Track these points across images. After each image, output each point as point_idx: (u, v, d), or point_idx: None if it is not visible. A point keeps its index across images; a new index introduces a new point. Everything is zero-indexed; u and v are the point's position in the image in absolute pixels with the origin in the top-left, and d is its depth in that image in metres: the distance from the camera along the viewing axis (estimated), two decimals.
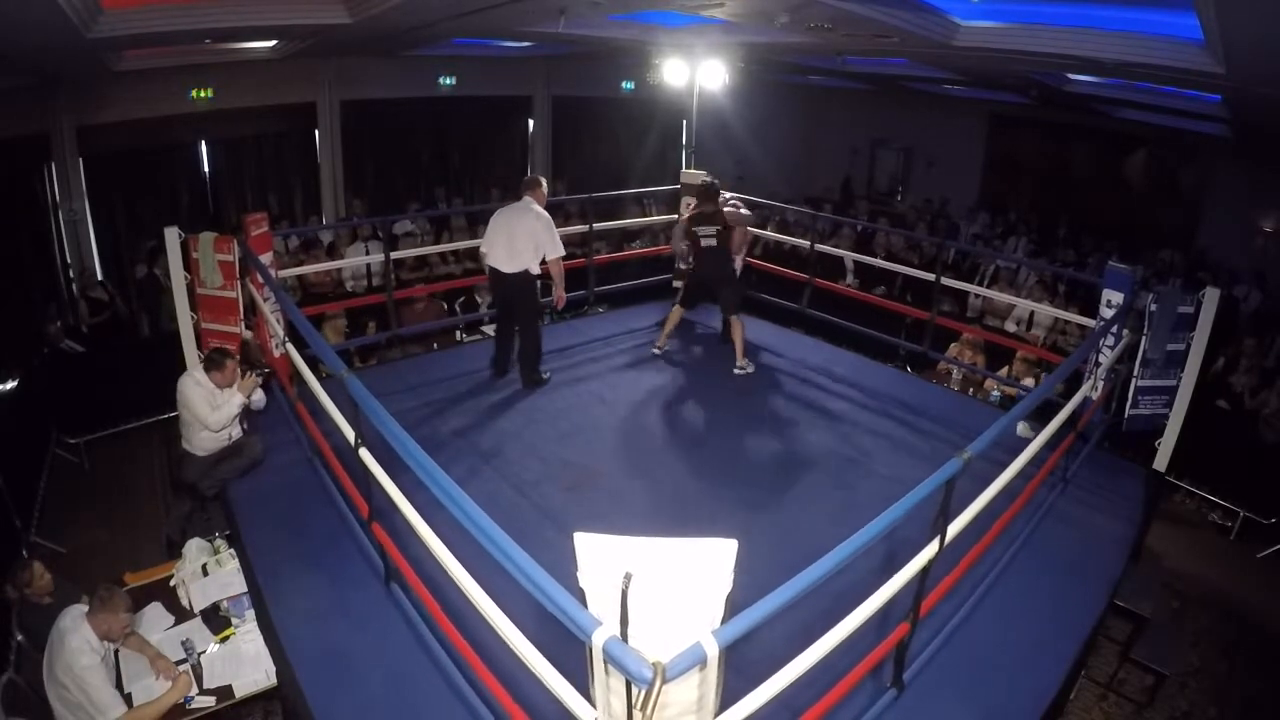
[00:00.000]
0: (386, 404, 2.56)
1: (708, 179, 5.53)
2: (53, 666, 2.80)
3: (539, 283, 4.93)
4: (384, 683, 2.74)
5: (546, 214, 4.81)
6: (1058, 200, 10.60)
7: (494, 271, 4.86)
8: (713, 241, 5.28)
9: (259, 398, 4.17)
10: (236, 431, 4.01)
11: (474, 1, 5.01)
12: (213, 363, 3.90)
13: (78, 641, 2.81)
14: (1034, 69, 6.55)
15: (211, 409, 3.84)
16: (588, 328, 6.11)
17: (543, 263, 4.82)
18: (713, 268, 5.37)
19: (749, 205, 8.41)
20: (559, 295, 5.00)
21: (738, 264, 6.00)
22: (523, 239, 4.72)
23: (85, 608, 2.97)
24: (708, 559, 1.65)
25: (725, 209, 5.63)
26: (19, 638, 3.31)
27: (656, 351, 5.62)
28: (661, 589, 1.60)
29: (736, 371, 5.35)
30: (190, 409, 3.83)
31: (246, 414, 4.14)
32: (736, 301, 5.43)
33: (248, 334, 4.53)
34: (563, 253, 4.86)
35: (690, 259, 5.55)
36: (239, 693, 3.03)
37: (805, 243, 6.36)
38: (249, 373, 4.02)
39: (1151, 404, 4.22)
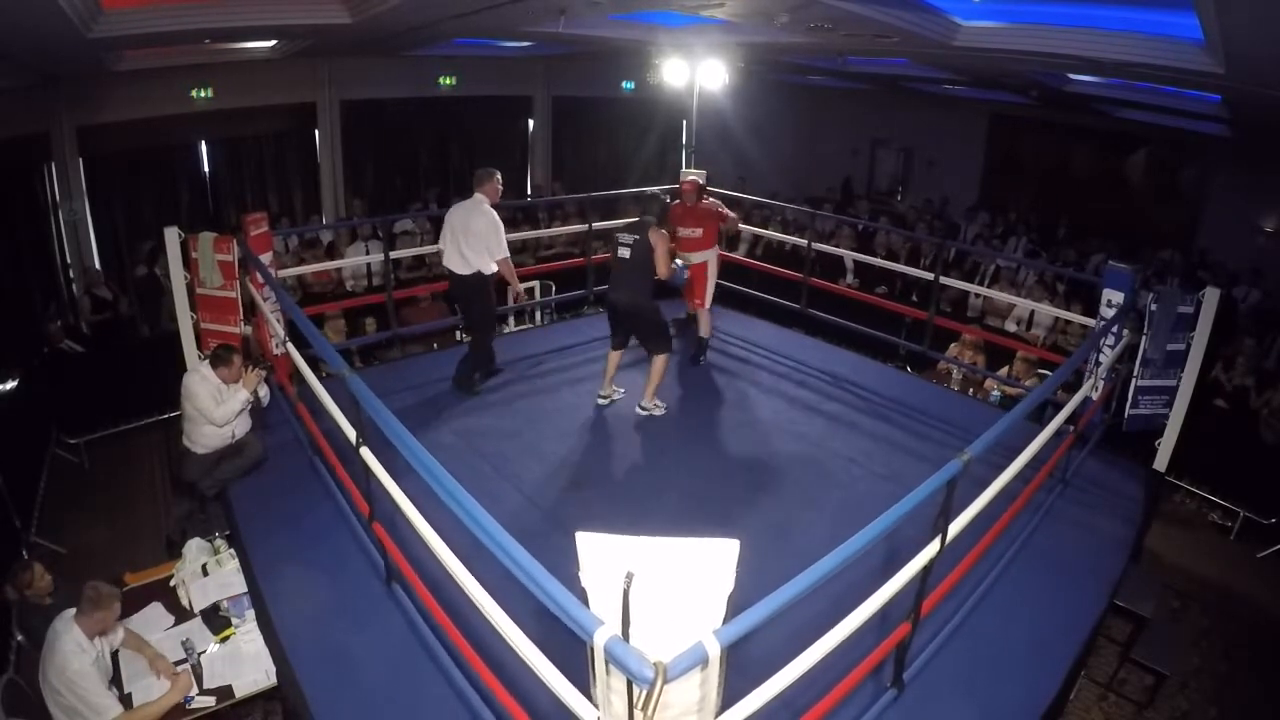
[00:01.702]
0: (387, 403, 2.56)
1: (651, 191, 4.77)
2: (46, 673, 2.81)
3: (494, 285, 4.75)
4: (384, 682, 2.74)
5: (494, 213, 4.60)
6: (1058, 200, 10.60)
7: (448, 273, 4.73)
8: (626, 253, 4.41)
9: (264, 393, 4.18)
10: (241, 429, 4.01)
11: (474, 1, 5.01)
12: (219, 359, 3.92)
13: (69, 645, 2.81)
14: (1034, 69, 6.56)
15: (216, 404, 3.84)
16: (587, 327, 6.10)
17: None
18: (624, 288, 4.48)
19: (737, 204, 8.26)
20: (516, 290, 4.90)
21: (709, 287, 5.46)
22: (474, 239, 4.57)
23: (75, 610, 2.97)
24: (709, 559, 1.65)
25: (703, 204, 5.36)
26: (19, 638, 3.32)
27: (603, 403, 4.78)
28: (663, 589, 1.60)
29: (639, 411, 4.67)
30: (195, 403, 3.84)
31: (252, 411, 4.14)
32: (662, 337, 4.59)
33: (247, 330, 4.53)
34: (507, 254, 4.65)
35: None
36: (239, 693, 3.04)
37: (804, 242, 6.36)
38: (252, 368, 4.03)
39: (1151, 404, 4.22)
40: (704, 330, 5.58)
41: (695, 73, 6.74)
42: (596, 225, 6.31)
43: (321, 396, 3.23)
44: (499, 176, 4.74)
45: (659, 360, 4.59)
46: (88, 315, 6.87)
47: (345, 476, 3.34)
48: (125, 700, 2.96)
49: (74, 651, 2.80)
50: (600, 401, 4.79)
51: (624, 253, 4.43)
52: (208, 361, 3.97)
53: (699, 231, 5.39)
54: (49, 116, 7.02)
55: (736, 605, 1.67)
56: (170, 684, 2.98)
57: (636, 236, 4.39)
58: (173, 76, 7.37)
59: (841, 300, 6.31)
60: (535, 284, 6.92)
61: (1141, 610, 3.68)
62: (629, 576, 1.51)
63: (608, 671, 1.61)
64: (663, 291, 4.71)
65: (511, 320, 6.87)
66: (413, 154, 10.07)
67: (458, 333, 6.72)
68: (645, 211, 4.50)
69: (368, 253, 7.72)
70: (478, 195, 4.63)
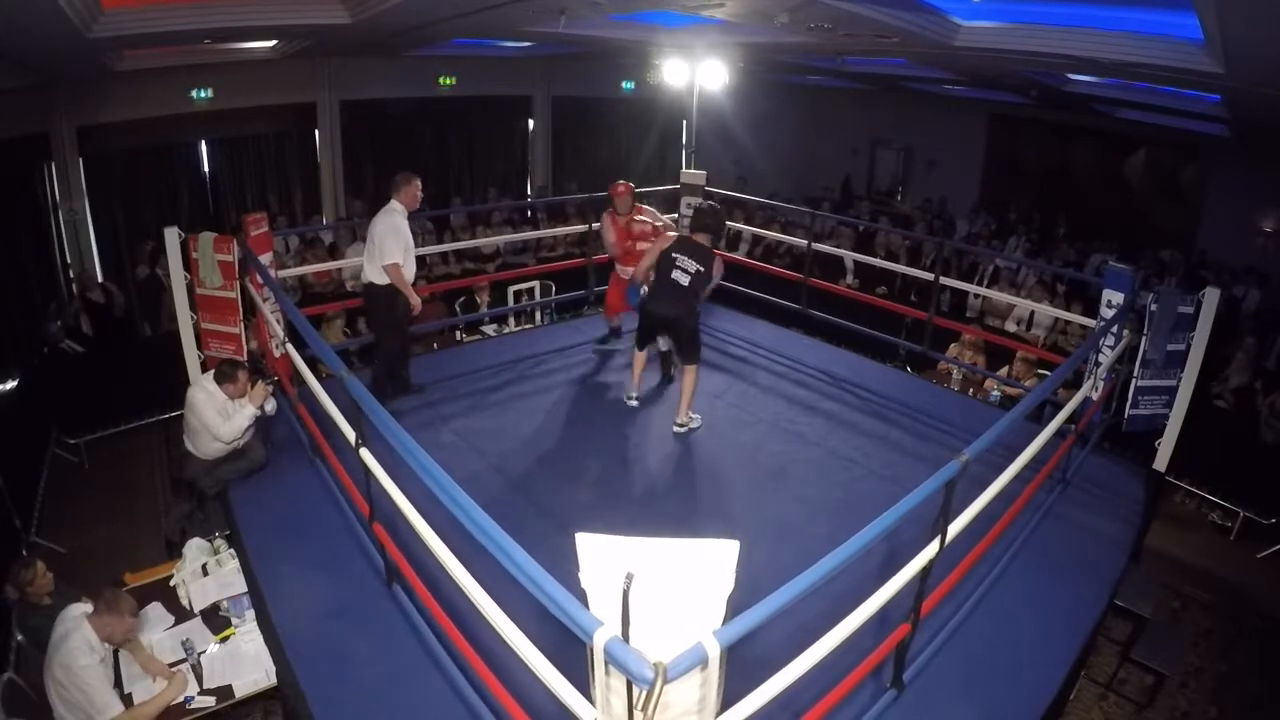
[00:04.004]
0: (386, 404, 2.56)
1: (710, 204, 4.61)
2: (52, 665, 2.81)
3: (392, 296, 4.42)
4: (384, 683, 2.74)
5: (396, 219, 4.35)
6: (1058, 200, 10.61)
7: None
8: (684, 279, 4.23)
9: (270, 406, 4.14)
10: (246, 436, 3.99)
11: (474, 1, 5.01)
12: (224, 375, 3.86)
13: (78, 641, 2.81)
14: (1034, 69, 6.56)
15: (223, 419, 3.81)
16: (588, 327, 6.10)
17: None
18: (678, 308, 4.30)
19: (738, 204, 8.12)
20: (413, 303, 4.45)
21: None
22: (370, 246, 4.35)
23: (88, 607, 2.97)
24: (709, 559, 1.65)
25: (638, 219, 5.14)
26: (19, 638, 3.32)
27: (634, 404, 4.75)
28: (663, 589, 1.60)
29: (677, 429, 4.53)
30: (200, 418, 3.80)
31: (258, 419, 4.11)
32: (697, 347, 4.51)
33: (252, 345, 4.51)
34: (392, 260, 4.31)
35: (647, 287, 4.51)
36: (239, 693, 3.04)
37: (803, 242, 6.36)
38: (259, 382, 4.00)
39: (1151, 404, 4.22)
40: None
41: (695, 73, 6.74)
42: (597, 226, 6.30)
43: (321, 397, 3.23)
44: (418, 182, 4.46)
45: (691, 372, 4.47)
46: (71, 320, 6.77)
47: (345, 477, 3.34)
48: (126, 700, 2.97)
49: (83, 649, 2.80)
50: (631, 403, 4.74)
51: (681, 279, 4.22)
52: (212, 376, 3.92)
53: (645, 246, 4.99)
54: (49, 116, 7.03)
55: (736, 605, 1.67)
56: (168, 682, 2.98)
57: (700, 267, 4.19)
58: (173, 76, 7.36)
59: (841, 300, 6.31)
60: (535, 284, 6.92)
61: (1141, 610, 3.68)
62: (629, 577, 1.51)
63: (607, 672, 1.61)
64: None
65: (512, 320, 6.88)
66: (413, 154, 10.06)
67: (457, 333, 6.73)
68: (701, 228, 4.31)
69: None
70: (392, 202, 4.40)
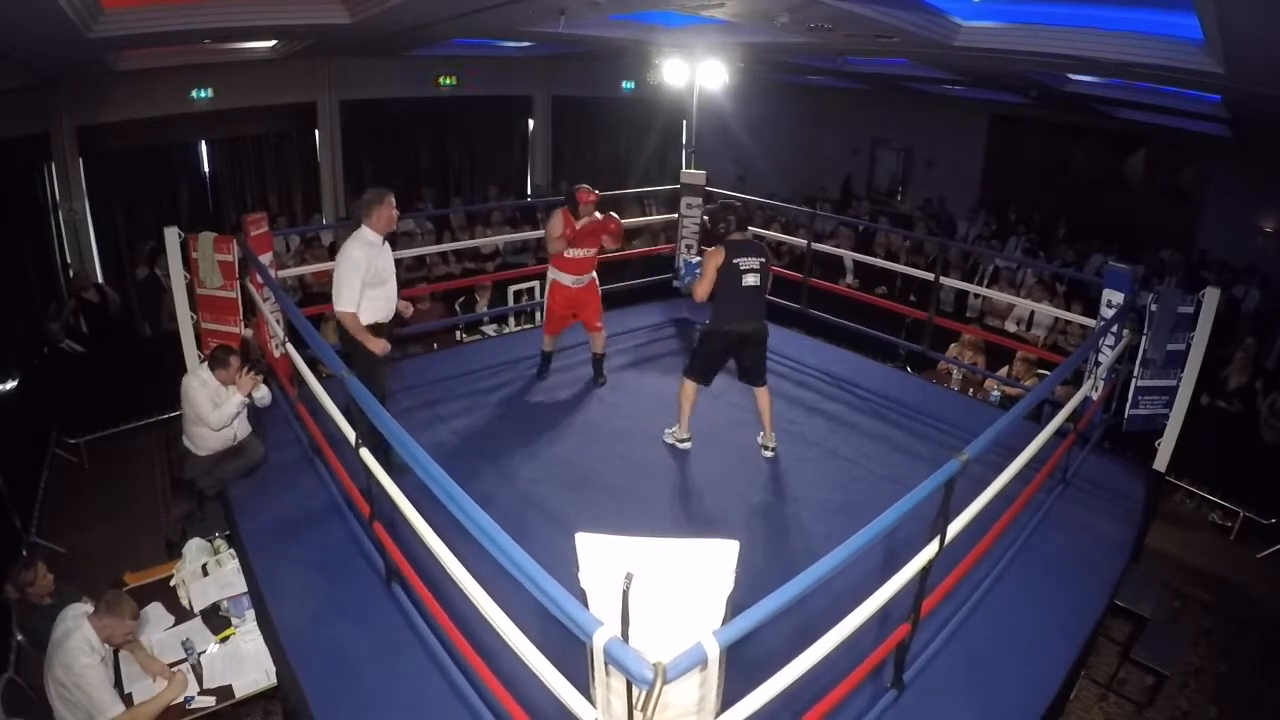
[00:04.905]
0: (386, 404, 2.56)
1: (726, 201, 4.25)
2: (52, 665, 2.81)
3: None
4: (384, 683, 2.74)
5: (359, 251, 3.61)
6: (1058, 200, 10.61)
7: None
8: (755, 280, 4.00)
9: (264, 395, 4.15)
10: (242, 431, 4.00)
11: (474, 1, 5.01)
12: (217, 361, 3.92)
13: (78, 641, 2.81)
14: (1034, 69, 6.56)
15: (214, 407, 3.85)
16: None
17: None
18: (759, 320, 4.12)
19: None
20: (375, 348, 3.71)
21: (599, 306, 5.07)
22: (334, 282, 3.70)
23: (88, 607, 2.98)
24: (709, 559, 1.65)
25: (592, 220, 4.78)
26: (19, 638, 3.32)
27: (686, 446, 4.40)
28: (663, 589, 1.60)
29: (767, 455, 4.35)
30: (193, 406, 3.85)
31: (254, 414, 4.12)
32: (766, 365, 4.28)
33: (247, 333, 4.52)
34: (346, 309, 3.60)
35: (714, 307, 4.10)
36: (239, 693, 3.04)
37: (802, 242, 6.35)
38: (247, 370, 4.01)
39: (1151, 404, 4.22)
40: (600, 347, 5.24)
41: (695, 73, 6.74)
42: None
43: (321, 397, 3.23)
44: (391, 200, 3.71)
45: (768, 392, 4.31)
46: (70, 320, 6.74)
47: (345, 477, 3.35)
48: (126, 700, 2.97)
49: (83, 648, 2.81)
50: (684, 446, 4.38)
51: (753, 280, 3.99)
52: (206, 364, 3.97)
53: (592, 251, 4.90)
54: (49, 116, 7.02)
55: (736, 605, 1.67)
56: (167, 682, 2.99)
57: (761, 259, 4.02)
58: (173, 76, 7.36)
59: (841, 300, 6.31)
60: (535, 284, 6.92)
61: (1141, 610, 3.68)
62: (628, 577, 1.51)
63: (607, 672, 1.61)
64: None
65: (512, 320, 6.88)
66: (413, 154, 10.07)
67: (457, 333, 6.73)
68: (733, 227, 4.04)
69: None
70: (361, 228, 3.68)
